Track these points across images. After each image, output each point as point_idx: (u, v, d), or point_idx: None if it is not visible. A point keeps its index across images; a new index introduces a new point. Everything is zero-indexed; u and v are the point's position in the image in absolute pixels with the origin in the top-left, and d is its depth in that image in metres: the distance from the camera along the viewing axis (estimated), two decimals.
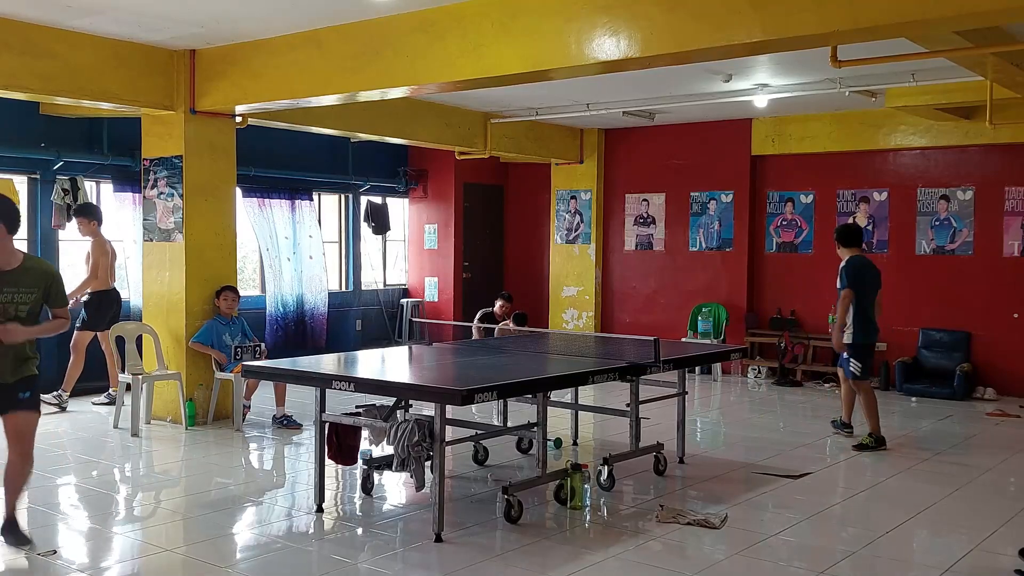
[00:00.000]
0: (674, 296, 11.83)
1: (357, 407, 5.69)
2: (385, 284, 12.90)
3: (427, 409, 5.45)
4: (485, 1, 6.09)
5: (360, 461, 5.81)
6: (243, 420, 7.87)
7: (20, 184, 8.85)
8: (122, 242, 9.55)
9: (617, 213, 12.34)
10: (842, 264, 7.29)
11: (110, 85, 7.31)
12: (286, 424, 7.87)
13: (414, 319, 9.49)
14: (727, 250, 11.42)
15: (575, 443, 7.31)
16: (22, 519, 4.88)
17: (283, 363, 6.04)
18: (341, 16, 6.68)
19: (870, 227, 10.65)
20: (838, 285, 7.25)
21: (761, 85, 8.87)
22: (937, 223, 10.28)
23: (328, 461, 5.60)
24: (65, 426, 7.85)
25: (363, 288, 12.46)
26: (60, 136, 8.99)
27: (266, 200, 10.85)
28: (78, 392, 8.78)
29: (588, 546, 5.01)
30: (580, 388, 6.98)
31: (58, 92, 7.09)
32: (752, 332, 11.15)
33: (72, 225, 9.06)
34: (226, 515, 5.48)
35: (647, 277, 12.10)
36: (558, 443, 7.13)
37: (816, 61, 7.45)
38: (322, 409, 5.50)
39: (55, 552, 4.73)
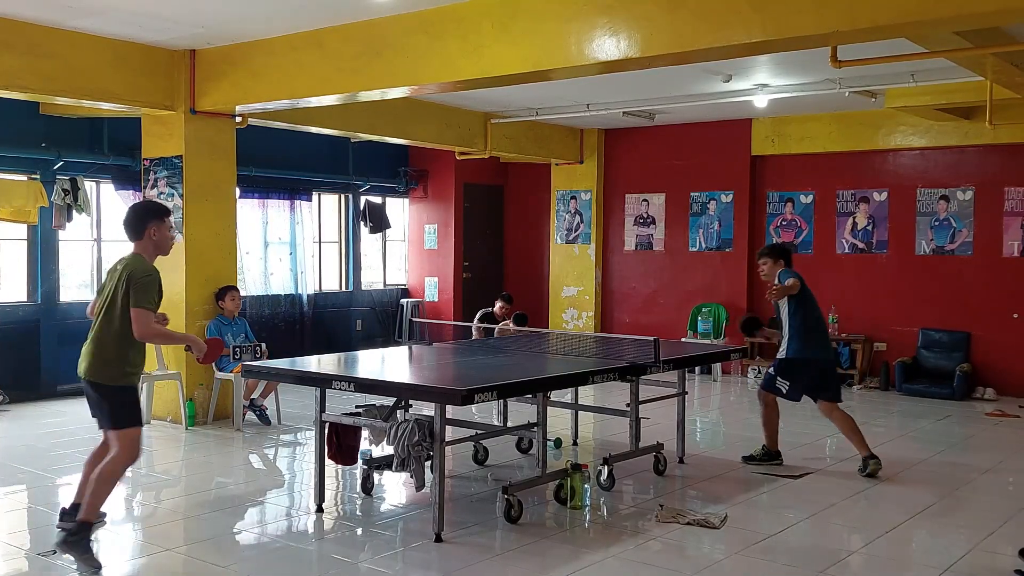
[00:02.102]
0: (674, 296, 11.83)
1: (357, 407, 5.70)
2: (385, 284, 12.90)
3: (427, 409, 5.45)
4: (485, 2, 6.10)
5: (360, 461, 5.81)
6: (243, 419, 7.89)
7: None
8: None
9: (617, 213, 12.34)
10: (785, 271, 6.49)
11: (110, 85, 7.32)
12: (258, 415, 7.97)
13: (414, 319, 9.48)
14: (727, 250, 11.42)
15: (575, 443, 7.31)
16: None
17: (282, 363, 6.05)
18: (341, 16, 6.68)
19: (870, 227, 10.66)
20: (787, 280, 6.32)
21: (761, 85, 8.87)
22: (937, 223, 10.28)
23: (328, 461, 5.60)
24: (65, 426, 7.85)
25: (363, 288, 12.47)
26: (60, 136, 8.99)
27: (263, 200, 10.86)
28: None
29: (588, 546, 5.01)
30: (580, 388, 6.98)
31: (58, 92, 7.10)
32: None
33: (72, 225, 9.07)
34: (226, 515, 5.48)
35: (647, 277, 12.09)
36: (558, 443, 7.13)
37: (816, 61, 7.45)
38: (322, 409, 5.50)
39: (55, 552, 4.73)
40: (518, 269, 13.43)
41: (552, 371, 5.88)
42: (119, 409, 4.58)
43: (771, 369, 6.68)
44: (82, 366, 4.63)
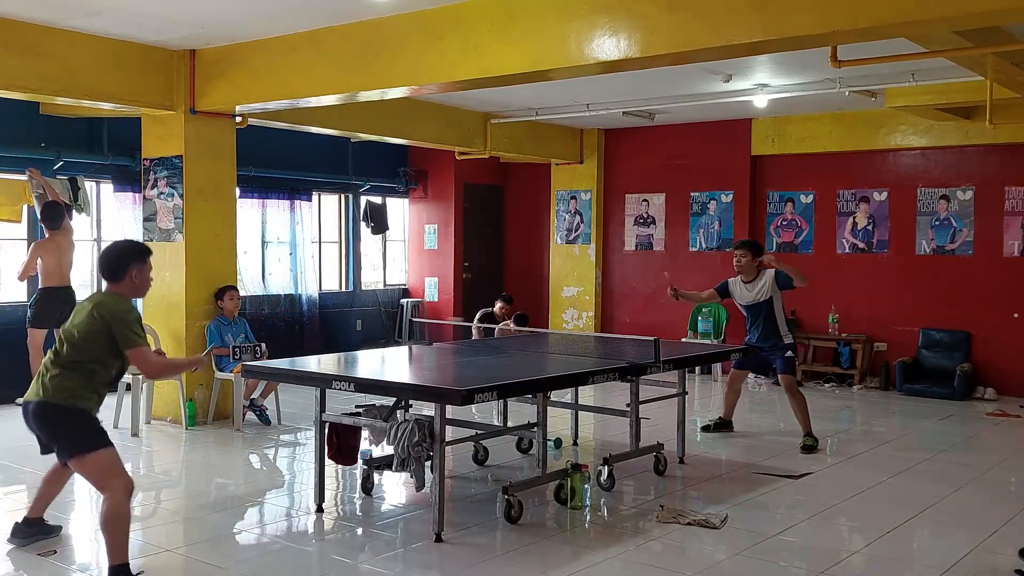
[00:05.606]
0: None
1: (357, 407, 5.69)
2: (385, 284, 12.90)
3: (427, 409, 5.44)
4: (485, 1, 6.09)
5: (360, 461, 5.81)
6: (243, 419, 7.89)
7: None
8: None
9: (617, 213, 12.34)
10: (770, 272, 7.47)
11: (110, 85, 7.31)
12: (258, 415, 7.98)
13: (414, 319, 9.48)
14: (727, 250, 11.40)
15: (575, 443, 7.30)
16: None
17: (282, 363, 6.04)
18: (341, 16, 6.68)
19: (870, 227, 10.65)
20: (771, 292, 7.46)
21: (761, 85, 8.87)
22: (937, 223, 10.28)
23: (328, 461, 5.60)
24: None
25: (363, 288, 12.47)
26: (60, 136, 8.99)
27: (263, 200, 10.87)
28: None
29: (588, 546, 5.01)
30: (580, 388, 6.98)
31: (58, 92, 7.09)
32: None
33: (72, 225, 9.06)
34: (226, 515, 5.48)
35: (647, 277, 12.08)
36: (558, 443, 7.13)
37: (816, 61, 7.45)
38: (322, 409, 5.50)
39: (55, 552, 4.73)
40: (518, 269, 13.42)
41: (552, 371, 5.89)
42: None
43: (787, 356, 7.47)
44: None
